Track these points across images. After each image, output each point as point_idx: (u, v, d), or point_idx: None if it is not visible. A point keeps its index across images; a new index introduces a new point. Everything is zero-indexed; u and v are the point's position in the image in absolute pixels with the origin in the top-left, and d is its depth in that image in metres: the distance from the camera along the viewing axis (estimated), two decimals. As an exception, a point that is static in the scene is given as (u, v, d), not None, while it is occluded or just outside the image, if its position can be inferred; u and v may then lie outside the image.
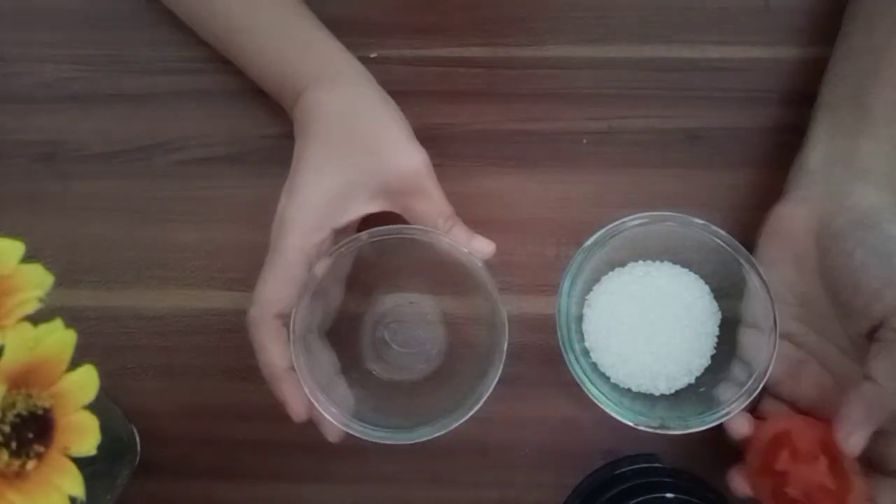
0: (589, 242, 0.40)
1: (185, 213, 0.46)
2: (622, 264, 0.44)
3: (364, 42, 0.46)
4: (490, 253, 0.40)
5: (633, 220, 0.40)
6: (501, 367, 0.39)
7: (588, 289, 0.43)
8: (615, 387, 0.42)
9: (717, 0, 0.47)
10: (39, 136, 0.47)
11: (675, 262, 0.44)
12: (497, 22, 0.48)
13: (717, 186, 0.45)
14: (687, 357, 0.42)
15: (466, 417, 0.38)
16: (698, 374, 0.42)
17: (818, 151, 0.41)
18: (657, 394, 0.42)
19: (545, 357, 0.45)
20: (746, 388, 0.38)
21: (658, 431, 0.38)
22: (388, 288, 0.45)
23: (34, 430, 0.28)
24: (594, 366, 0.42)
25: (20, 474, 0.27)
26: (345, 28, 0.44)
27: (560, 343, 0.39)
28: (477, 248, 0.40)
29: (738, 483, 0.39)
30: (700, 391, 0.42)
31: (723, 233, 0.40)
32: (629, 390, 0.42)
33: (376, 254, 0.41)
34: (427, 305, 0.45)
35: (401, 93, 0.46)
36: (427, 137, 0.46)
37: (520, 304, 0.44)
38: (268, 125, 0.47)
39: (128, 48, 0.48)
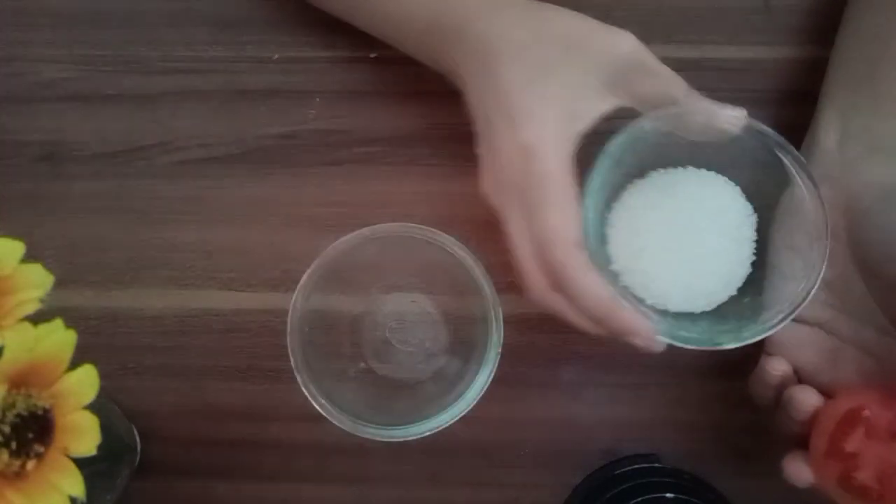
0: (610, 148, 0.36)
1: (185, 213, 0.46)
2: (641, 176, 0.40)
3: (364, 42, 0.46)
4: (743, 119, 0.36)
5: (650, 121, 0.36)
6: (496, 364, 0.39)
7: (608, 207, 0.40)
8: (652, 309, 0.39)
9: (717, 0, 0.47)
10: (39, 136, 0.47)
11: (699, 167, 0.40)
12: (497, 22, 0.48)
13: (717, 186, 0.45)
14: (725, 268, 0.38)
15: (460, 415, 0.38)
16: (739, 284, 0.39)
17: (832, 131, 0.40)
18: (698, 311, 0.39)
19: (545, 357, 0.45)
20: (802, 287, 0.35)
21: (707, 349, 0.35)
22: (388, 287, 0.45)
23: (34, 430, 0.28)
24: (626, 290, 0.38)
25: (20, 474, 0.27)
26: (346, 28, 0.44)
27: None
28: (729, 114, 0.36)
29: (798, 470, 0.36)
30: (745, 302, 0.39)
31: (761, 125, 0.36)
32: (667, 311, 0.39)
33: (377, 252, 0.41)
34: (428, 304, 0.45)
35: (401, 93, 0.46)
36: (427, 137, 0.46)
37: (520, 303, 0.44)
38: (268, 125, 0.47)
39: (128, 48, 0.48)
